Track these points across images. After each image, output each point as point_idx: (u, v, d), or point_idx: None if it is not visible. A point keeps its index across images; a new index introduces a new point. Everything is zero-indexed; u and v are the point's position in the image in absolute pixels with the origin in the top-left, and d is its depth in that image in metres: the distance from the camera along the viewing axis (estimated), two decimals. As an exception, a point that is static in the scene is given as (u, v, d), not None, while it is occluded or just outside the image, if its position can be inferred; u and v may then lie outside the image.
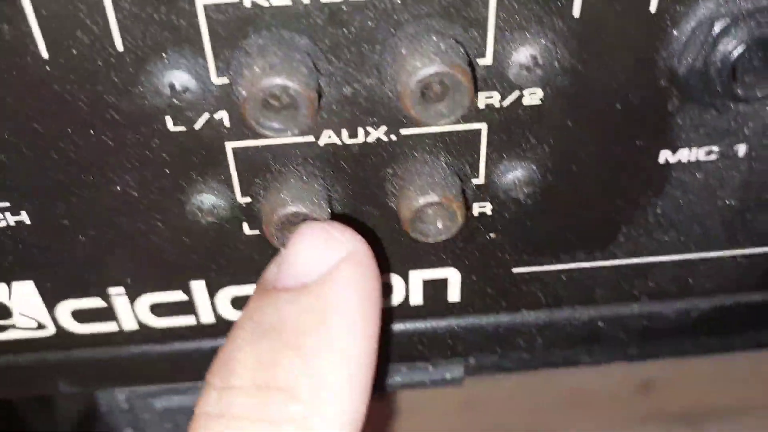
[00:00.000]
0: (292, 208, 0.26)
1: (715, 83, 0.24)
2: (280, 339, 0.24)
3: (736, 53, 0.24)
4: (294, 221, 0.27)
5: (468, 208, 0.29)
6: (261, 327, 0.25)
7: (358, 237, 0.26)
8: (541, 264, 0.32)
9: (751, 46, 0.24)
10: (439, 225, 0.27)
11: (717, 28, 0.24)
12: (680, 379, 0.75)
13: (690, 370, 0.74)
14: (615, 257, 0.32)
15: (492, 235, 0.30)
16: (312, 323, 0.24)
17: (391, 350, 0.34)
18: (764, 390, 0.74)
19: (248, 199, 0.28)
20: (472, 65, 0.25)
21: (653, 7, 0.24)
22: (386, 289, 0.32)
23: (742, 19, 0.23)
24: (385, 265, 0.31)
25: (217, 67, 0.24)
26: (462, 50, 0.24)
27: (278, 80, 0.23)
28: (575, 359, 0.37)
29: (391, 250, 0.30)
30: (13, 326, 0.32)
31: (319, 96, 0.24)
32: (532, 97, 0.26)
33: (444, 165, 0.28)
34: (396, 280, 0.32)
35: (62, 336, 0.32)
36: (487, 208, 0.29)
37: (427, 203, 0.27)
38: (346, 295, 0.25)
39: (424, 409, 0.79)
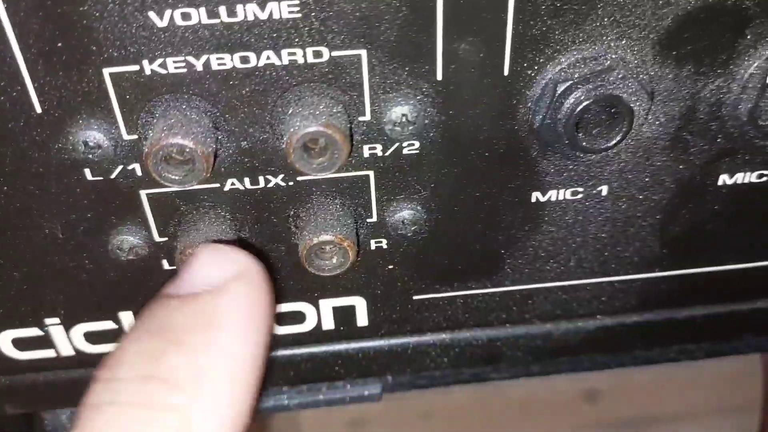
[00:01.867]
0: (199, 248, 0.30)
1: (563, 136, 0.28)
2: (166, 337, 0.26)
3: (577, 111, 0.27)
4: (203, 259, 0.30)
5: (360, 246, 0.32)
6: (149, 327, 0.27)
7: (252, 258, 0.29)
8: (438, 291, 0.35)
9: (589, 105, 0.27)
10: (334, 261, 0.31)
11: (559, 89, 0.27)
12: (624, 388, 0.79)
13: (633, 379, 0.78)
14: (503, 285, 0.35)
15: (390, 266, 0.34)
16: (199, 325, 0.26)
17: (308, 371, 0.37)
18: (703, 397, 0.78)
19: (165, 239, 0.31)
20: (351, 123, 0.28)
21: (506, 71, 0.28)
22: (299, 316, 0.35)
23: (581, 81, 0.27)
24: (295, 294, 0.34)
25: (127, 126, 0.28)
26: (341, 109, 0.28)
27: (175, 140, 0.26)
28: (483, 376, 0.41)
29: (301, 282, 0.34)
30: (-42, 354, 0.35)
31: (215, 152, 0.28)
32: (410, 147, 0.29)
33: (339, 206, 0.31)
34: (307, 308, 0.35)
35: (4, 362, 0.35)
36: (383, 243, 0.33)
37: (321, 242, 0.30)
38: (234, 305, 0.27)
39: (383, 421, 0.82)
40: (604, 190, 0.32)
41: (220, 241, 0.29)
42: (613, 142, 0.28)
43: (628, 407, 0.79)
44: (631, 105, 0.27)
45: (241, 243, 0.31)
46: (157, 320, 0.27)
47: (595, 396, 0.78)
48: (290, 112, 0.27)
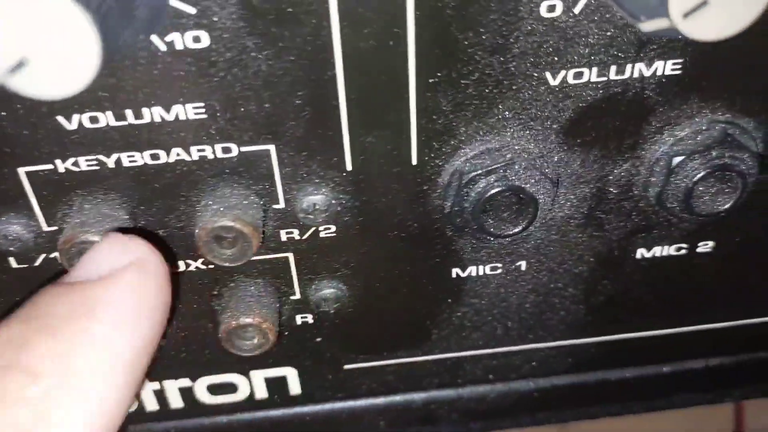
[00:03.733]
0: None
1: (471, 222, 0.28)
2: (37, 323, 0.23)
3: (482, 200, 0.28)
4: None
5: (284, 322, 0.33)
6: (23, 314, 0.24)
7: (153, 249, 0.26)
8: (368, 361, 0.36)
9: (494, 195, 0.28)
10: (255, 341, 0.31)
11: (465, 179, 0.28)
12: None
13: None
14: (432, 353, 0.36)
15: (318, 339, 0.34)
16: (76, 313, 0.24)
17: (245, 436, 0.38)
18: (676, 426, 0.78)
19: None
20: (265, 211, 0.29)
21: (414, 161, 0.28)
22: (231, 387, 0.36)
23: (485, 173, 0.28)
24: (225, 367, 0.35)
25: (47, 218, 0.28)
26: (253, 200, 0.28)
27: (87, 237, 0.27)
28: (425, 434, 0.41)
29: (229, 355, 0.34)
30: None
31: (131, 244, 0.28)
32: (327, 231, 0.30)
33: (261, 287, 0.32)
34: (239, 378, 0.36)
35: None
36: (309, 318, 0.33)
37: (240, 325, 0.31)
38: (121, 295, 0.24)
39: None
40: (523, 265, 0.32)
41: (123, 230, 0.27)
42: (519, 228, 0.29)
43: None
44: (535, 195, 0.28)
45: (145, 233, 0.29)
46: (33, 308, 0.24)
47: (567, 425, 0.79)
48: (203, 203, 0.28)
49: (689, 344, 0.37)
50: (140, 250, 0.26)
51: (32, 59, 0.19)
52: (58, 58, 0.19)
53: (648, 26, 0.20)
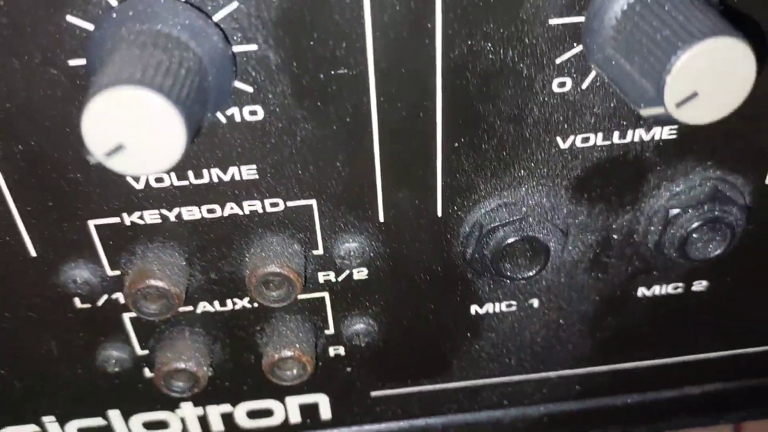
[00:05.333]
0: (175, 365, 0.34)
1: (490, 268, 0.32)
2: None
3: (500, 248, 0.31)
4: (178, 373, 0.34)
5: (319, 354, 0.36)
6: None
7: None
8: (394, 388, 0.39)
9: (511, 244, 0.31)
10: (294, 372, 0.35)
11: (485, 230, 0.31)
12: None
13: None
14: (451, 381, 0.39)
15: (348, 369, 0.38)
16: None
17: (279, 457, 0.41)
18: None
19: (146, 351, 0.35)
20: (306, 256, 0.32)
21: (439, 213, 0.32)
22: (267, 412, 0.39)
23: (502, 224, 0.31)
24: (264, 393, 0.38)
25: (111, 264, 0.32)
26: (296, 248, 0.32)
27: (151, 282, 0.30)
28: (442, 455, 0.44)
29: (268, 382, 0.38)
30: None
31: (187, 288, 0.32)
32: (360, 274, 0.34)
33: (300, 323, 0.35)
34: (275, 404, 0.39)
35: (5, 454, 0.39)
36: (341, 350, 0.37)
37: (282, 357, 0.34)
38: None
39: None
40: (535, 303, 0.36)
41: None
42: (533, 272, 0.32)
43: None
44: (547, 243, 0.31)
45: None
46: None
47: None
48: (252, 251, 0.32)
49: (687, 372, 0.41)
50: None
51: (128, 145, 0.22)
52: (151, 144, 0.22)
53: (647, 112, 0.24)
